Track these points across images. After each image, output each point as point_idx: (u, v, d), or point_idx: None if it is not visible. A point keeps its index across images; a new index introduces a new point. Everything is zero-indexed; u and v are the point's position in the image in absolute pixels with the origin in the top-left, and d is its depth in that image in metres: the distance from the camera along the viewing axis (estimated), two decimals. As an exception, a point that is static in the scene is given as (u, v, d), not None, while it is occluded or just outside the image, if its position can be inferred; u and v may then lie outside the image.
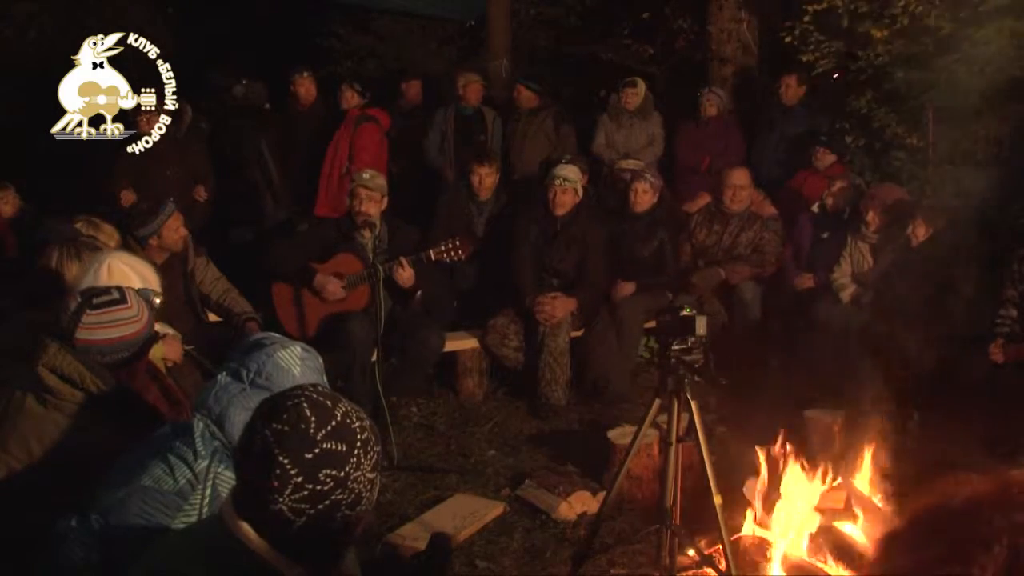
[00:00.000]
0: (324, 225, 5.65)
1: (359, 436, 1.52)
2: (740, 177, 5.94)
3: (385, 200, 5.16)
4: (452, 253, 5.07)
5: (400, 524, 3.96)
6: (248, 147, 6.85)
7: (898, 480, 3.87)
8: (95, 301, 2.45)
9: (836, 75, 6.72)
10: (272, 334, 2.15)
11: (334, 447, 1.49)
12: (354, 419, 1.54)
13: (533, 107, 6.92)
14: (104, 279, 2.82)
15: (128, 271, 2.95)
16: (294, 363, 2.03)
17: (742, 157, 6.57)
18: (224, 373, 2.06)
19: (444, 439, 5.10)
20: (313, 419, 1.50)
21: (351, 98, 6.69)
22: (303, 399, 1.52)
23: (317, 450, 1.48)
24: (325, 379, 2.11)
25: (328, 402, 1.54)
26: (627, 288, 5.60)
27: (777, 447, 3.79)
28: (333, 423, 1.51)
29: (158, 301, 2.80)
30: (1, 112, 7.80)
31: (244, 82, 7.22)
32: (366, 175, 5.17)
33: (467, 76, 7.16)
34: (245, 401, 1.98)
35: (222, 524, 1.55)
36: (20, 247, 5.35)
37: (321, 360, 2.13)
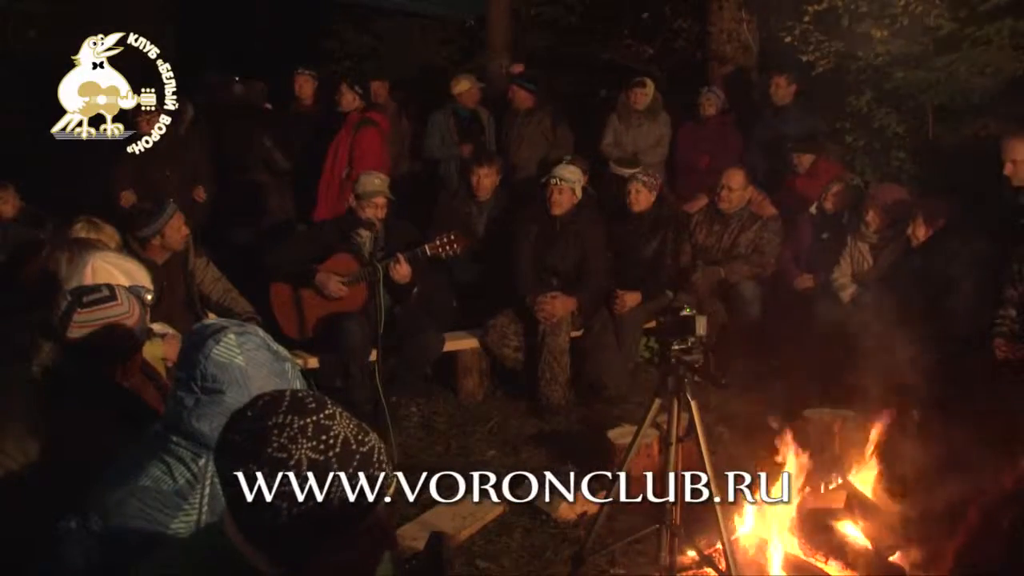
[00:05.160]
0: (323, 225, 5.64)
1: (335, 440, 1.48)
2: (733, 179, 5.93)
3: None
4: (448, 248, 5.07)
5: (400, 524, 3.96)
6: (249, 147, 6.84)
7: (898, 480, 3.87)
8: (85, 299, 2.43)
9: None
10: (206, 324, 2.01)
11: (306, 451, 1.45)
12: (335, 422, 1.50)
13: (529, 107, 6.93)
14: (89, 280, 2.78)
15: (113, 270, 2.91)
16: (234, 354, 1.92)
17: (739, 156, 6.57)
18: (176, 389, 1.96)
19: (444, 439, 5.10)
20: (287, 421, 1.47)
21: (351, 100, 6.56)
22: (281, 401, 1.50)
23: (284, 455, 1.45)
24: (277, 347, 2.00)
25: (312, 404, 1.51)
26: (631, 300, 5.58)
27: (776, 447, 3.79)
28: (309, 426, 1.47)
29: (149, 297, 2.77)
30: (1, 112, 7.80)
31: (240, 80, 7.21)
32: (377, 181, 5.16)
33: (463, 79, 7.18)
34: (203, 409, 1.92)
35: (222, 530, 1.54)
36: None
37: (261, 331, 2.01)
